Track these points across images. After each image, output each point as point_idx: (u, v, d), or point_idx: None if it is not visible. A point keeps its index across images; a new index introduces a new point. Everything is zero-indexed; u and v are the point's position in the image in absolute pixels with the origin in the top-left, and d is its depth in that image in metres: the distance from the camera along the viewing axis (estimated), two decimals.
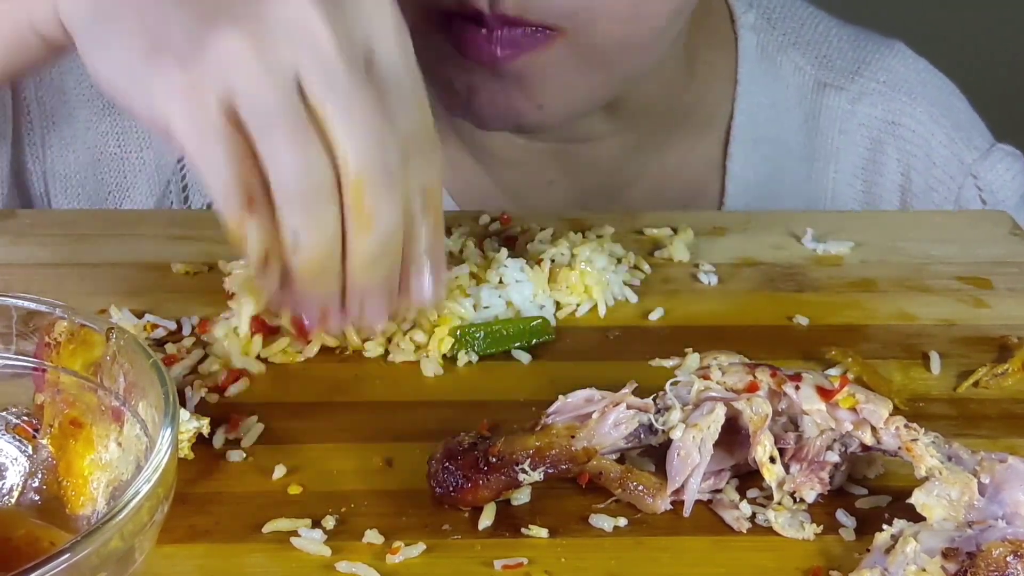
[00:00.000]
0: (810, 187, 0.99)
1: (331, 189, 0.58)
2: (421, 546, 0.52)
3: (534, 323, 0.67)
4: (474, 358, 0.66)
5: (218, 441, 0.59)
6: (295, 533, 0.53)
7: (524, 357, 0.66)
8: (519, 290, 0.69)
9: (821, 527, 0.54)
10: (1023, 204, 1.00)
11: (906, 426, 0.54)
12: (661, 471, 0.55)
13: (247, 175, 0.58)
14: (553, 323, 0.69)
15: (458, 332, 0.66)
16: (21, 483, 0.53)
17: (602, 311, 0.70)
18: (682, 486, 0.55)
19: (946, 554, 0.50)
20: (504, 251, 0.71)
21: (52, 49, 0.66)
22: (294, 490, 0.56)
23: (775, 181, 0.98)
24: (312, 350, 0.66)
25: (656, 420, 0.55)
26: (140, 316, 0.68)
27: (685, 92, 0.95)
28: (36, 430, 0.54)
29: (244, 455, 0.58)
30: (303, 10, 0.58)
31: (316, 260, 0.58)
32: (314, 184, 0.58)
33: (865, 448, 0.55)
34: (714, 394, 0.56)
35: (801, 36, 1.00)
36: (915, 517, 0.52)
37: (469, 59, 0.78)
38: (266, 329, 0.66)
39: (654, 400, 0.56)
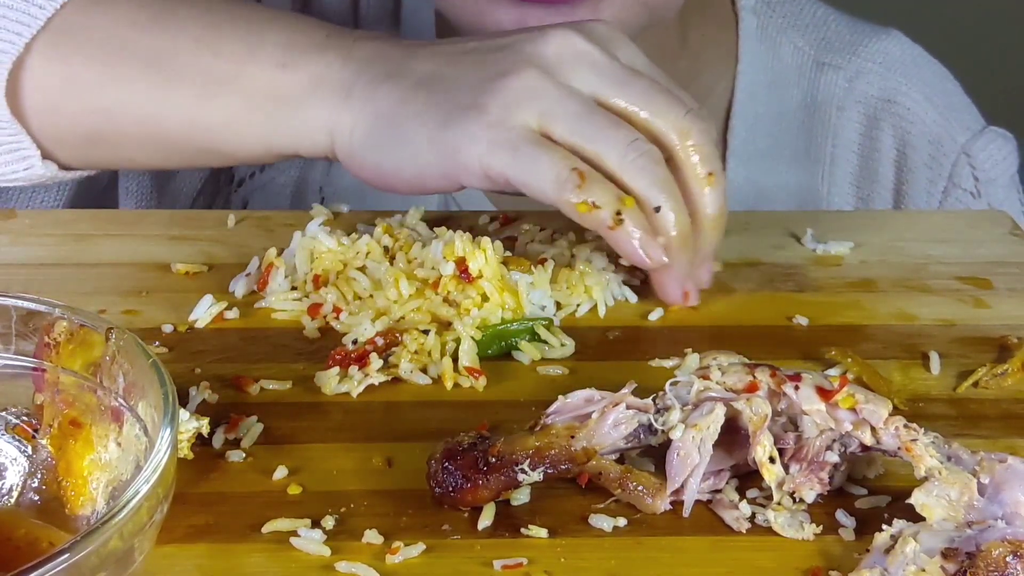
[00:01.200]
0: (808, 164, 1.02)
1: (663, 160, 0.65)
2: (421, 546, 0.52)
3: (540, 322, 0.67)
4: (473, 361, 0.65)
5: (218, 441, 0.59)
6: (295, 533, 0.53)
7: (524, 357, 0.66)
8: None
9: (821, 527, 0.54)
10: (1013, 185, 1.03)
11: (906, 426, 0.54)
12: (661, 471, 0.55)
13: (570, 157, 0.64)
14: (557, 323, 0.69)
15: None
16: (21, 483, 0.53)
17: (602, 311, 0.70)
18: (682, 486, 0.55)
19: (946, 554, 0.50)
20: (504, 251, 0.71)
21: (295, 157, 0.73)
22: (294, 490, 0.56)
23: (775, 157, 1.01)
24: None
25: (656, 420, 0.55)
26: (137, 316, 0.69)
27: (677, 65, 0.97)
28: (36, 430, 0.54)
29: (244, 455, 0.58)
30: (575, 44, 0.67)
31: (682, 224, 0.66)
32: (648, 151, 0.65)
33: (865, 448, 0.55)
34: (714, 394, 0.56)
35: (800, 19, 1.04)
36: (915, 517, 0.52)
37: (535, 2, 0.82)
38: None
39: (654, 400, 0.56)
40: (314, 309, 0.68)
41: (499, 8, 0.82)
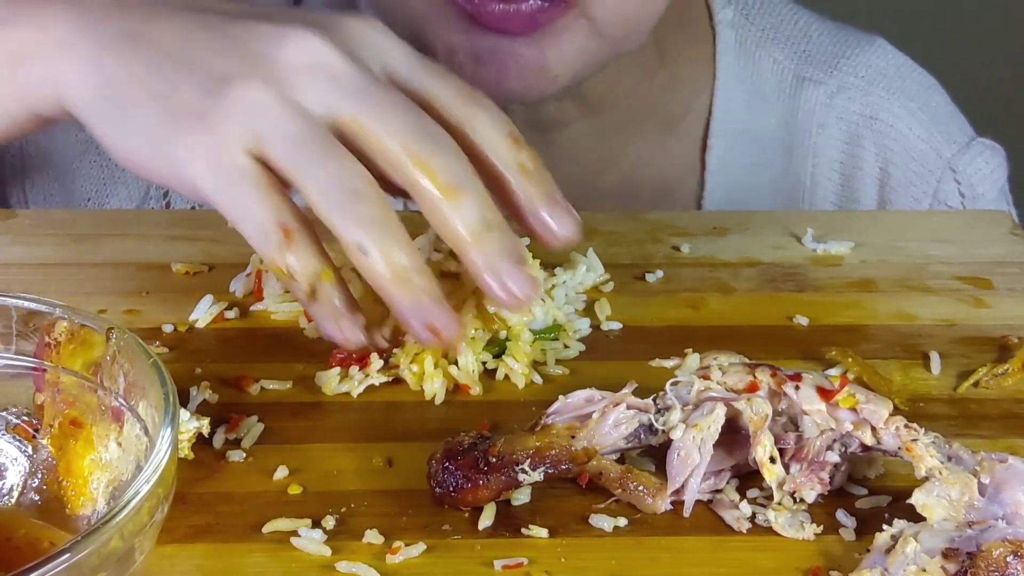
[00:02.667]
0: (788, 181, 0.99)
1: (379, 192, 0.58)
2: (421, 546, 0.52)
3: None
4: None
5: (218, 441, 0.59)
6: (295, 533, 0.53)
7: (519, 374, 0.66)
8: None
9: (821, 527, 0.54)
10: (1002, 197, 1.00)
11: (906, 426, 0.54)
12: (661, 471, 0.55)
13: (280, 209, 0.58)
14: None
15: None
16: (21, 483, 0.53)
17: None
18: (682, 486, 0.55)
19: (946, 554, 0.50)
20: None
21: (45, 124, 0.66)
22: (294, 490, 0.56)
23: (754, 175, 0.98)
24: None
25: (656, 420, 0.55)
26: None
27: (654, 81, 0.95)
28: (36, 430, 0.54)
29: (244, 455, 0.58)
30: (314, 49, 0.59)
31: (393, 263, 0.57)
32: (361, 187, 0.57)
33: (865, 448, 0.55)
34: (714, 394, 0.56)
35: (780, 31, 1.01)
36: (915, 517, 0.52)
37: (483, 23, 0.78)
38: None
39: (654, 400, 0.56)
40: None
41: (449, 33, 0.80)
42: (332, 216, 0.57)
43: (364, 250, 0.57)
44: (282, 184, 0.58)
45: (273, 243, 0.58)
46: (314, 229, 0.59)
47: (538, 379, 0.64)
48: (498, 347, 0.65)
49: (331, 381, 0.63)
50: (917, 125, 0.99)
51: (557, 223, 0.61)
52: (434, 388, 0.63)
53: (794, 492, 0.55)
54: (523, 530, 0.54)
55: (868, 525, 0.54)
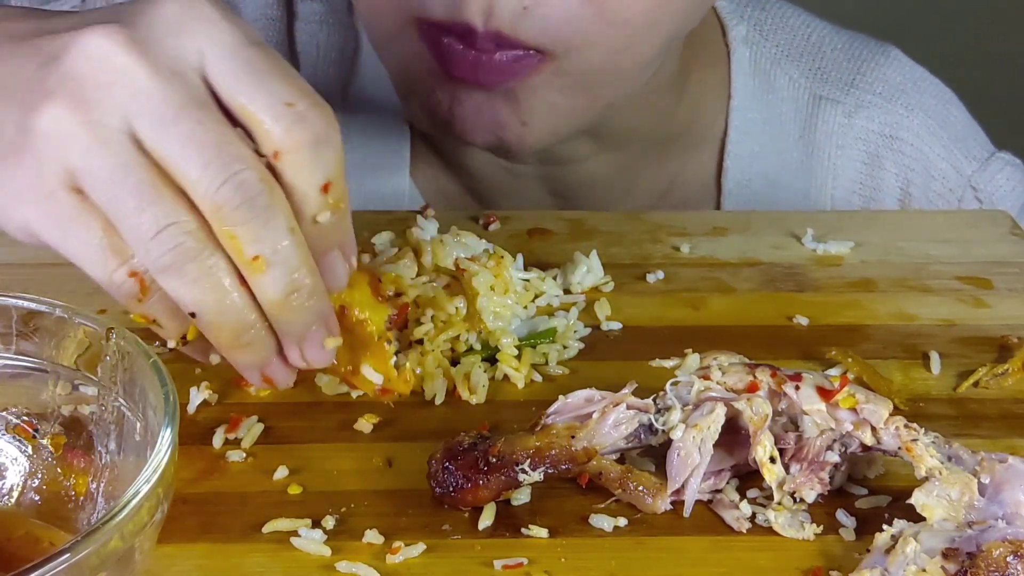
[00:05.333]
0: (807, 203, 0.97)
1: (204, 242, 0.52)
2: (421, 546, 0.52)
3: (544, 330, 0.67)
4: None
5: (218, 441, 0.59)
6: (295, 533, 0.53)
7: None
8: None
9: (821, 527, 0.54)
10: (1023, 214, 0.99)
11: (906, 426, 0.54)
12: (661, 471, 0.55)
13: (123, 254, 0.53)
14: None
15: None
16: (21, 483, 0.53)
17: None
18: (682, 486, 0.55)
19: (946, 554, 0.50)
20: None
21: None
22: (294, 490, 0.56)
23: (771, 198, 0.96)
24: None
25: (656, 420, 0.55)
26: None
27: (675, 113, 0.93)
28: (36, 430, 0.54)
29: (245, 455, 0.58)
30: (112, 58, 0.52)
31: (226, 325, 0.53)
32: (180, 244, 0.52)
33: (865, 448, 0.55)
34: (714, 394, 0.56)
35: (794, 47, 0.98)
36: (915, 517, 0.52)
37: (454, 76, 0.76)
38: None
39: (654, 400, 0.56)
40: None
41: (429, 78, 0.78)
42: (159, 276, 0.52)
43: (194, 315, 0.53)
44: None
45: (127, 293, 0.54)
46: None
47: (538, 378, 0.64)
48: (488, 351, 0.65)
49: (331, 381, 0.62)
50: (936, 143, 0.98)
51: (312, 357, 0.57)
52: (435, 388, 0.63)
53: (794, 492, 0.55)
54: (523, 530, 0.54)
55: (868, 525, 0.54)
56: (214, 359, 0.59)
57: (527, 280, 0.70)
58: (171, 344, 0.56)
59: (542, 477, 0.54)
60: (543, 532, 0.54)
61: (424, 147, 0.93)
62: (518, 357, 0.65)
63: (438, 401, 0.62)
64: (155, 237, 0.51)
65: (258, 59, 0.53)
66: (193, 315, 0.53)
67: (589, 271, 0.72)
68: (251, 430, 0.60)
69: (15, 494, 0.53)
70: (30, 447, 0.53)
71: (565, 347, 0.67)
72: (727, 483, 0.56)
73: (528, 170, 0.90)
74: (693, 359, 0.62)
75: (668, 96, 0.91)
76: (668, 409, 0.55)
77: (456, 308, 0.65)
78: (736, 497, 0.56)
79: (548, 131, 0.80)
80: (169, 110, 0.52)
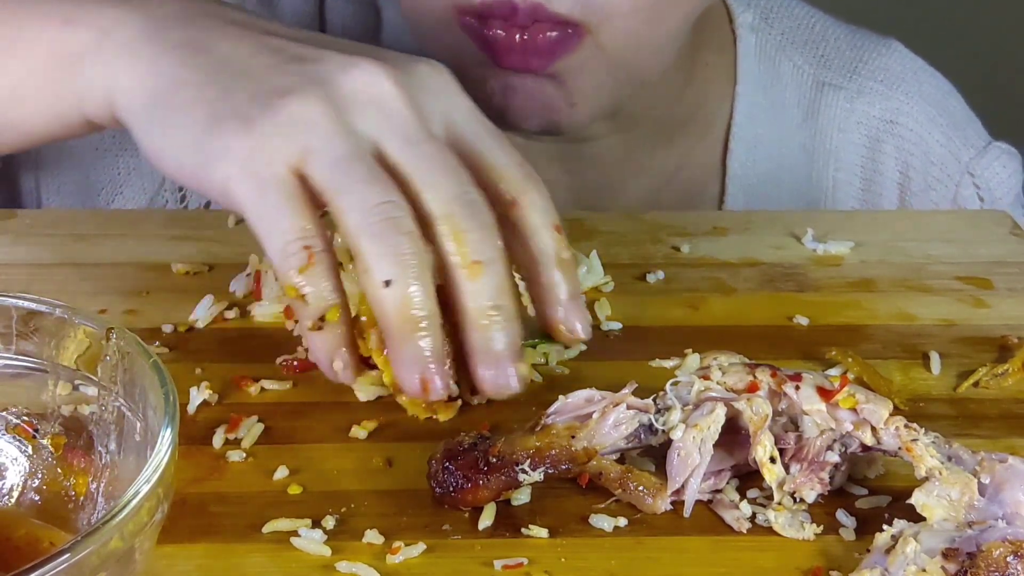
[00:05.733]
0: (810, 186, 0.99)
1: (416, 229, 0.56)
2: (421, 546, 0.52)
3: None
4: None
5: (218, 441, 0.59)
6: (295, 533, 0.53)
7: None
8: None
9: (821, 527, 0.54)
10: (1019, 201, 1.00)
11: (906, 426, 0.54)
12: (661, 471, 0.55)
13: (309, 229, 0.57)
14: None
15: None
16: (21, 483, 0.53)
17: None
18: (682, 486, 0.55)
19: (946, 554, 0.50)
20: None
21: (93, 128, 0.67)
22: (294, 490, 0.56)
23: (775, 180, 0.98)
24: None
25: (656, 420, 0.55)
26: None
27: (683, 96, 0.96)
28: (36, 430, 0.54)
29: (244, 455, 0.58)
30: (380, 83, 0.59)
31: (409, 306, 0.56)
32: (401, 219, 0.56)
33: (865, 448, 0.55)
34: (714, 394, 0.56)
35: (799, 35, 1.01)
36: (915, 517, 0.52)
37: (504, 67, 0.79)
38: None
39: (654, 400, 0.56)
40: (290, 311, 0.65)
41: (478, 67, 0.80)
42: (365, 241, 0.56)
43: (389, 283, 0.55)
44: (316, 206, 0.57)
45: (294, 262, 0.56)
46: (335, 259, 0.58)
47: (538, 378, 0.64)
48: None
49: (370, 386, 0.62)
50: (936, 129, 1.00)
51: (578, 321, 0.61)
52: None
53: (794, 492, 0.55)
54: (523, 530, 0.54)
55: (868, 525, 0.54)
56: (337, 365, 0.59)
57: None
58: (306, 324, 0.57)
59: (542, 477, 0.54)
60: (543, 532, 0.53)
61: None
62: None
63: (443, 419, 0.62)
64: (378, 205, 0.56)
65: (490, 124, 0.62)
66: (388, 283, 0.55)
67: (589, 271, 0.72)
68: (251, 430, 0.59)
69: (15, 494, 0.53)
70: (30, 447, 0.53)
71: (566, 347, 0.67)
72: (727, 483, 0.56)
73: (544, 148, 0.92)
74: (693, 359, 0.63)
75: (677, 79, 0.94)
76: (668, 409, 0.55)
77: None
78: (736, 497, 0.56)
79: (594, 110, 0.84)
80: (418, 135, 0.58)
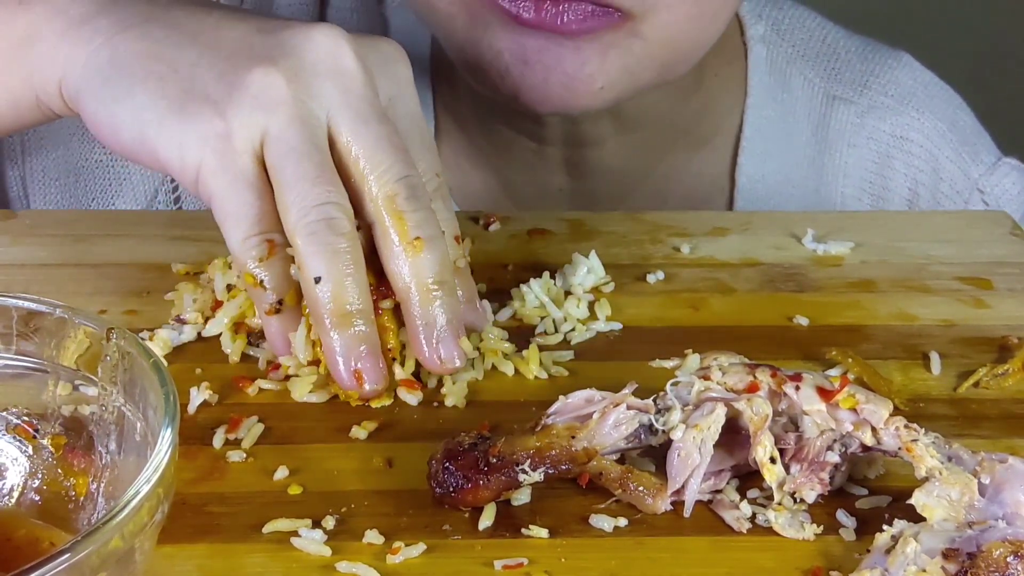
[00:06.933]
0: (818, 200, 0.99)
1: (352, 226, 0.59)
2: (421, 546, 0.52)
3: None
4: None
5: (218, 441, 0.59)
6: (295, 533, 0.53)
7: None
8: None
9: (821, 527, 0.54)
10: None
11: (906, 426, 0.54)
12: (661, 471, 0.55)
13: (272, 222, 0.60)
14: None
15: None
16: (21, 483, 0.53)
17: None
18: (682, 486, 0.55)
19: (946, 555, 0.50)
20: None
21: (45, 114, 0.67)
22: (294, 490, 0.56)
23: (783, 194, 0.98)
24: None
25: (656, 420, 0.55)
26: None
27: (690, 101, 0.95)
28: (36, 430, 0.54)
29: (245, 455, 0.58)
30: (338, 52, 0.61)
31: (341, 301, 0.58)
32: (335, 218, 0.59)
33: (865, 448, 0.55)
34: (714, 394, 0.56)
35: (810, 48, 1.00)
36: (915, 517, 0.52)
37: (531, 24, 0.75)
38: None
39: (654, 400, 0.56)
40: (240, 326, 0.66)
41: (494, 34, 0.77)
42: (301, 238, 0.58)
43: (319, 280, 0.58)
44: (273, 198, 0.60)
45: (254, 253, 0.60)
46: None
47: (542, 374, 0.64)
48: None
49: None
50: (946, 145, 0.99)
51: (445, 354, 0.61)
52: (455, 397, 0.63)
53: (794, 492, 0.55)
54: (523, 530, 0.54)
55: (868, 525, 0.54)
56: (295, 348, 0.61)
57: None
58: (264, 308, 0.61)
59: (542, 477, 0.54)
60: (543, 532, 0.53)
61: (449, 132, 0.94)
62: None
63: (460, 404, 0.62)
64: (318, 206, 0.58)
65: (426, 131, 0.66)
66: (318, 280, 0.58)
67: (589, 271, 0.72)
68: (251, 430, 0.59)
69: (15, 494, 0.53)
70: (30, 447, 0.53)
71: (569, 342, 0.67)
72: (727, 483, 0.56)
73: (552, 152, 0.92)
74: (693, 359, 0.62)
75: (684, 85, 0.92)
76: (668, 409, 0.55)
77: None
78: (736, 497, 0.56)
79: (616, 95, 0.80)
80: (370, 114, 0.60)
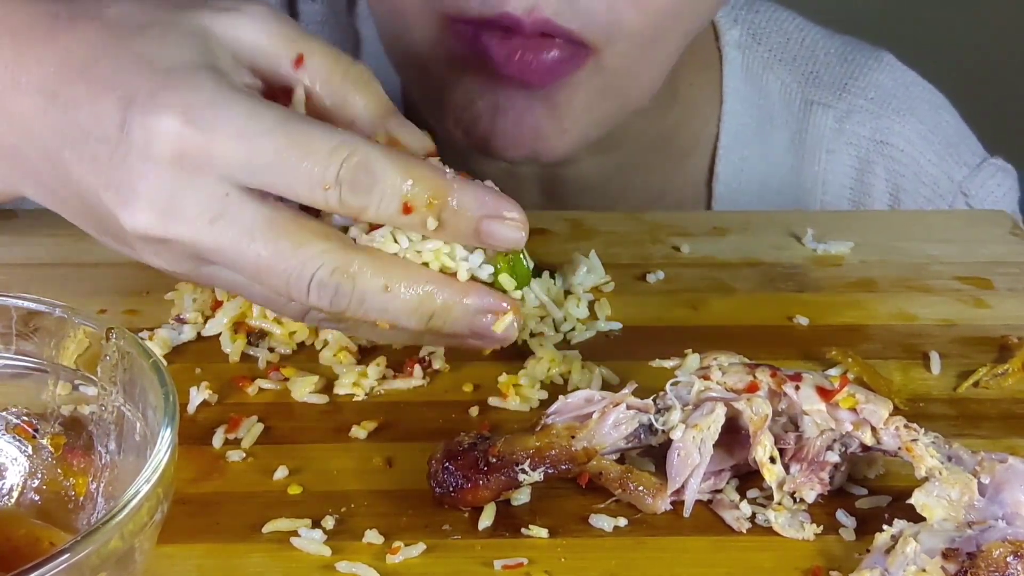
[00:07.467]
0: (797, 207, 0.97)
1: (344, 262, 0.56)
2: (421, 546, 0.52)
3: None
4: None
5: (218, 441, 0.59)
6: (295, 533, 0.53)
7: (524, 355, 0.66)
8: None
9: (821, 527, 0.54)
10: (1017, 218, 0.99)
11: (906, 426, 0.54)
12: (661, 471, 0.55)
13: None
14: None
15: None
16: (21, 483, 0.53)
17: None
18: (682, 486, 0.55)
19: (946, 554, 0.50)
20: None
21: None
22: (294, 490, 0.56)
23: (762, 202, 0.96)
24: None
25: (656, 420, 0.55)
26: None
27: (666, 116, 0.93)
28: (36, 430, 0.54)
29: (244, 455, 0.58)
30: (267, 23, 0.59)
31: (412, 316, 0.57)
32: (334, 270, 0.56)
33: (865, 448, 0.55)
34: (714, 394, 0.56)
35: (787, 51, 0.98)
36: (915, 517, 0.52)
37: (503, 75, 0.76)
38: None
39: (654, 400, 0.56)
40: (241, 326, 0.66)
41: (473, 78, 0.77)
42: (320, 301, 0.56)
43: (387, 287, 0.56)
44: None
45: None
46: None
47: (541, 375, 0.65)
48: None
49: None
50: (928, 149, 0.97)
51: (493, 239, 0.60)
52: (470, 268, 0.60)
53: (794, 492, 0.55)
54: (523, 530, 0.54)
55: (868, 525, 0.54)
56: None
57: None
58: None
59: (542, 477, 0.54)
60: (543, 532, 0.53)
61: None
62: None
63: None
64: (314, 273, 0.55)
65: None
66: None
67: (589, 271, 0.72)
68: (251, 430, 0.59)
69: (15, 494, 0.53)
70: (30, 447, 0.53)
71: (569, 342, 0.67)
72: (727, 483, 0.56)
73: (525, 171, 0.91)
74: (693, 359, 0.62)
75: (659, 99, 0.91)
76: (668, 409, 0.55)
77: None
78: (736, 497, 0.56)
79: (583, 136, 0.81)
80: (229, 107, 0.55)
